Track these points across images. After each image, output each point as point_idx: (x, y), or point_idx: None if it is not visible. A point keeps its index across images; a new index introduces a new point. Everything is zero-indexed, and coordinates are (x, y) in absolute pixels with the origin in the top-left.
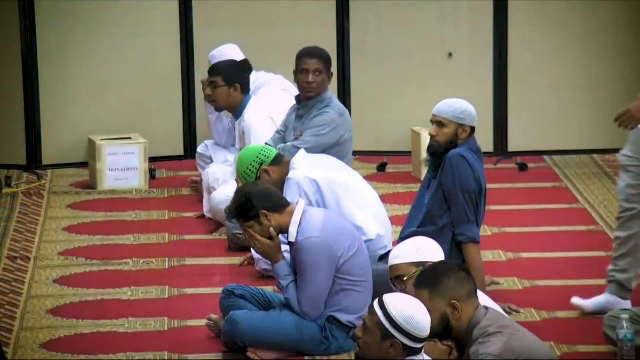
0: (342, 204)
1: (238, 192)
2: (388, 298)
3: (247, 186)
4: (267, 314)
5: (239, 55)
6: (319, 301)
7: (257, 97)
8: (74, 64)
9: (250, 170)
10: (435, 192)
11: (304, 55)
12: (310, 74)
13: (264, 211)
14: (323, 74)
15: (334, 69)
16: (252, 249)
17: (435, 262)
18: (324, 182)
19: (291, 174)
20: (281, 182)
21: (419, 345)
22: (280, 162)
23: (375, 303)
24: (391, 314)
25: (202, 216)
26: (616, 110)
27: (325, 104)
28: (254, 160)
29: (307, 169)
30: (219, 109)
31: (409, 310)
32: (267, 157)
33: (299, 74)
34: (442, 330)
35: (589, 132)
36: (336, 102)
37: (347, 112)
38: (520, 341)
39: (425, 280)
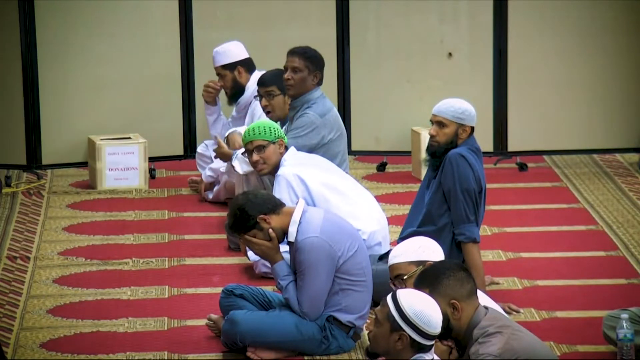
0: (331, 202)
1: (231, 207)
2: (401, 292)
3: (237, 199)
4: (267, 314)
5: (243, 53)
6: (319, 301)
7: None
8: (73, 64)
9: (276, 129)
10: (435, 192)
11: (287, 53)
12: (288, 71)
13: (261, 216)
14: (303, 73)
15: (333, 68)
16: (248, 251)
17: (435, 262)
18: (312, 180)
19: (280, 171)
20: (274, 165)
21: (428, 343)
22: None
23: (389, 296)
24: (402, 307)
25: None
26: (616, 110)
27: (309, 105)
28: (280, 129)
29: (296, 167)
30: (276, 119)
31: (420, 306)
32: (285, 139)
33: (283, 73)
34: (442, 330)
35: (589, 132)
36: (321, 103)
37: (332, 112)
38: (521, 341)
39: (425, 280)
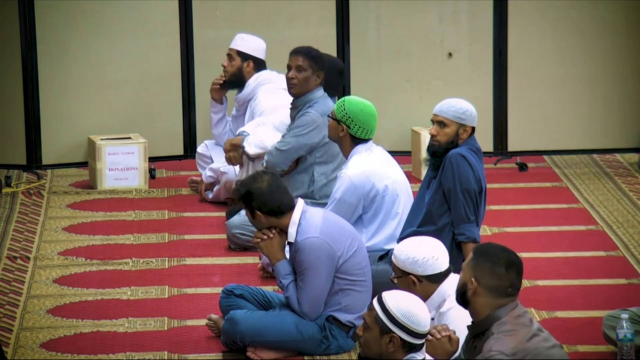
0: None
1: (244, 181)
2: (386, 294)
3: (255, 181)
4: (267, 314)
5: (261, 53)
6: (319, 301)
7: (257, 95)
8: (74, 64)
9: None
10: (436, 192)
11: (290, 53)
12: (292, 70)
13: (257, 212)
14: (307, 72)
15: None
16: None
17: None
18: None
19: (347, 172)
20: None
21: (418, 342)
22: None
23: (375, 300)
24: (389, 309)
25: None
26: (616, 110)
27: (310, 104)
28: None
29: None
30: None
31: (407, 306)
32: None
33: (287, 72)
34: (460, 296)
35: (589, 132)
36: (323, 103)
37: None
38: (537, 344)
39: (479, 248)
